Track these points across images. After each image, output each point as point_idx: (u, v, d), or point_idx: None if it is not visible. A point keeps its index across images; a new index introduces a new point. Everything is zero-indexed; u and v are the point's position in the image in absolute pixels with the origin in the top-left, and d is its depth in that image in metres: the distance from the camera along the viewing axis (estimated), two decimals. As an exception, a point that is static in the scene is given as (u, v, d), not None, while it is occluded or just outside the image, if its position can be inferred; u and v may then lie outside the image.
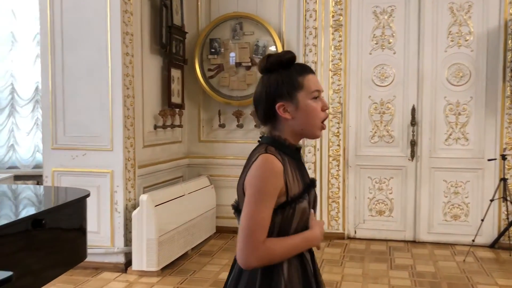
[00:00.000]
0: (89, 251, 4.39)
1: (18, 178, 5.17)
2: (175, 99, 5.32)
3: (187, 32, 5.59)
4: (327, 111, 1.58)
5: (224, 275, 4.19)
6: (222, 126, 5.77)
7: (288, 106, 1.52)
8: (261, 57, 5.40)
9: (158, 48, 5.04)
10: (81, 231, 2.59)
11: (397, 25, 5.35)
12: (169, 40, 5.10)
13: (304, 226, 1.54)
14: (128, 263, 4.45)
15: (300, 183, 1.53)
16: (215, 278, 4.29)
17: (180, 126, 5.51)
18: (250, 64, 5.62)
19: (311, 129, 1.55)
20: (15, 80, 5.28)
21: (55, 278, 2.37)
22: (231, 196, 5.65)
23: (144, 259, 4.31)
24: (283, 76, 1.53)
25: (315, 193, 1.64)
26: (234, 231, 5.76)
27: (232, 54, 5.66)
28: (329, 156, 5.52)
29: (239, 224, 1.47)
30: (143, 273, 4.32)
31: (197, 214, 5.15)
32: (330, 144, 5.51)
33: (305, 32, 5.48)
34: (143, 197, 4.33)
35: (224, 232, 5.75)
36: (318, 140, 5.49)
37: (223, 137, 5.84)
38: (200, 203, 5.28)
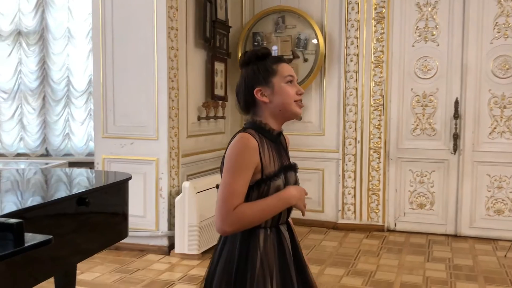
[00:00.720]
0: (135, 234, 4.70)
1: (72, 164, 5.53)
2: (218, 91, 5.51)
3: (231, 26, 5.76)
4: (302, 93, 1.72)
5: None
6: (264, 117, 5.91)
7: (265, 90, 1.68)
8: (303, 50, 5.54)
9: (202, 42, 5.24)
10: (123, 210, 2.81)
11: (441, 17, 5.29)
12: (213, 34, 5.29)
13: None
14: (171, 246, 4.69)
15: (277, 163, 1.67)
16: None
17: (223, 117, 5.70)
18: (291, 57, 5.71)
19: (288, 108, 1.70)
20: (71, 73, 5.64)
21: (97, 253, 2.61)
22: None
23: (186, 242, 4.54)
24: (259, 65, 1.70)
25: (296, 177, 1.77)
26: (274, 220, 5.92)
27: (275, 47, 5.78)
28: (369, 148, 5.55)
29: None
30: (184, 256, 4.55)
31: (238, 202, 5.32)
32: (371, 136, 5.54)
33: (347, 24, 5.52)
34: (186, 184, 4.55)
35: (265, 221, 5.90)
36: (358, 132, 5.54)
37: (265, 129, 5.98)
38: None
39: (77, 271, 4.10)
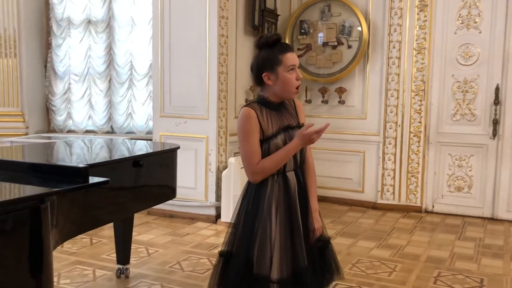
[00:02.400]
0: (186, 203, 5.22)
1: (133, 141, 6.14)
2: (266, 75, 5.89)
3: (279, 15, 6.12)
4: (300, 80, 2.12)
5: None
6: (308, 101, 6.26)
7: (271, 75, 2.09)
8: (347, 36, 5.82)
9: (251, 30, 5.64)
10: (172, 174, 3.28)
11: (484, 4, 5.38)
12: (261, 22, 5.68)
13: None
14: (218, 215, 5.18)
15: (275, 126, 2.09)
16: (290, 234, 4.86)
17: (270, 100, 6.09)
18: (336, 43, 6.00)
19: (287, 93, 2.13)
20: (134, 58, 6.21)
21: (149, 207, 3.10)
22: (316, 167, 6.29)
23: (231, 212, 4.97)
24: (268, 54, 2.09)
25: None
26: (319, 199, 6.27)
27: (321, 34, 6.08)
28: (410, 132, 5.76)
29: None
30: (228, 224, 5.01)
31: (281, 179, 5.73)
32: (412, 120, 5.74)
33: (390, 12, 5.72)
34: (231, 160, 5.01)
35: (308, 199, 6.27)
36: (399, 116, 5.76)
37: (309, 112, 6.32)
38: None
39: (135, 233, 4.68)
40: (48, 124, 6.54)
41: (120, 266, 3.67)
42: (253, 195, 2.12)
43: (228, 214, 5.03)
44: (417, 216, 5.59)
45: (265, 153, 2.07)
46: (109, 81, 6.32)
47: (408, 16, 5.65)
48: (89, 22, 6.32)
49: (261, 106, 2.11)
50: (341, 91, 6.02)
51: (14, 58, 6.11)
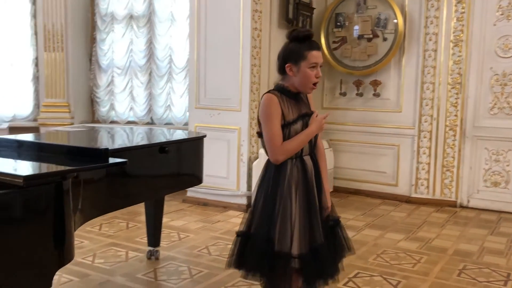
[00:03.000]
0: (219, 192, 5.39)
1: (171, 132, 6.37)
2: (300, 68, 5.97)
3: (314, 8, 6.16)
4: (319, 77, 2.24)
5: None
6: (343, 94, 6.28)
7: (293, 67, 2.22)
8: (382, 29, 5.80)
9: (285, 23, 5.72)
10: (198, 161, 3.43)
11: (525, -6, 5.24)
12: (295, 16, 5.75)
13: None
14: (249, 204, 5.31)
15: (295, 113, 2.23)
16: (319, 224, 4.93)
17: (303, 93, 6.16)
18: (371, 36, 5.99)
19: (304, 87, 2.26)
20: (173, 52, 6.43)
21: (176, 191, 3.27)
22: (350, 160, 6.42)
23: (261, 202, 5.12)
24: (296, 47, 2.22)
25: None
26: (350, 191, 6.32)
27: (356, 27, 6.08)
28: (445, 126, 5.68)
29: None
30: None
31: (313, 171, 5.80)
32: (448, 114, 5.66)
33: (427, 4, 5.65)
34: (262, 151, 5.08)
35: (341, 192, 6.31)
36: (435, 109, 5.69)
37: (343, 105, 6.35)
38: (317, 162, 5.91)
39: (169, 219, 4.89)
40: (92, 115, 6.88)
41: (151, 248, 3.86)
42: (272, 178, 2.25)
43: (258, 203, 5.15)
44: (451, 211, 5.52)
45: (286, 138, 2.21)
46: (150, 74, 6.57)
47: (445, 8, 5.56)
48: (131, 17, 6.59)
49: (281, 94, 2.24)
50: (376, 84, 6.00)
51: (61, 52, 6.46)
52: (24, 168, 2.11)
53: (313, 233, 2.23)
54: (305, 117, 2.29)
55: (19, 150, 2.45)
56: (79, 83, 6.67)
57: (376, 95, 6.05)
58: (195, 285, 3.40)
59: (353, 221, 5.08)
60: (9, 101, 6.52)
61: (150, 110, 6.64)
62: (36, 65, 6.61)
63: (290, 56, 2.23)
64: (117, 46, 6.66)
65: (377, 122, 6.09)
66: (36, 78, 6.63)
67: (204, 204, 5.54)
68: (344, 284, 3.44)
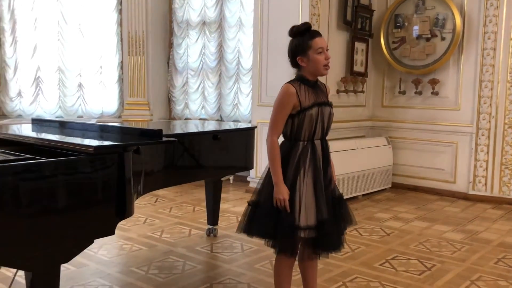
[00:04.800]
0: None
1: (238, 128, 6.91)
2: (358, 68, 6.25)
3: (374, 10, 6.41)
4: (328, 59, 2.50)
5: (381, 216, 5.13)
6: (402, 93, 6.46)
7: (303, 58, 2.51)
8: (440, 29, 5.95)
9: (344, 25, 6.04)
10: (248, 150, 3.88)
11: None
12: (354, 18, 6.05)
13: (310, 130, 2.50)
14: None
15: (312, 100, 2.50)
16: (369, 215, 5.21)
17: (362, 92, 6.43)
18: (429, 36, 6.13)
19: (317, 71, 2.53)
20: (240, 55, 6.95)
21: (226, 176, 3.73)
22: (409, 157, 6.72)
23: (316, 193, 5.47)
24: (299, 41, 2.52)
25: (330, 111, 2.59)
26: (408, 188, 6.47)
27: (415, 27, 6.25)
28: (504, 123, 5.70)
29: None
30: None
31: (370, 166, 6.06)
32: (507, 112, 5.68)
33: (486, 3, 5.71)
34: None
35: (399, 188, 6.49)
36: (493, 107, 5.73)
37: (403, 103, 6.52)
38: (374, 158, 6.15)
39: (230, 205, 5.36)
40: (169, 113, 7.59)
41: (210, 226, 4.38)
42: (284, 155, 2.53)
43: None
44: (509, 208, 5.53)
45: (300, 121, 2.48)
46: (219, 75, 7.15)
47: (505, 7, 5.60)
48: (204, 23, 7.21)
49: (300, 83, 2.54)
50: (434, 82, 6.13)
51: (142, 56, 7.23)
52: (95, 141, 2.67)
53: (320, 209, 2.49)
54: (321, 105, 2.55)
55: (95, 132, 3.05)
56: (157, 84, 7.41)
57: (435, 93, 6.18)
58: (244, 258, 3.85)
59: (404, 214, 5.29)
60: (98, 100, 7.38)
61: (219, 108, 7.21)
62: (121, 68, 7.43)
63: (297, 50, 2.51)
64: (191, 50, 7.32)
65: (435, 120, 6.21)
66: (121, 80, 7.45)
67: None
68: (381, 265, 3.73)
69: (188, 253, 3.94)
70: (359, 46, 6.26)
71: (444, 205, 5.73)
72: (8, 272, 3.27)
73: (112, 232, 2.35)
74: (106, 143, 2.58)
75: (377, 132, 6.72)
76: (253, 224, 2.57)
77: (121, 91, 7.47)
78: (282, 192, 2.45)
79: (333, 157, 5.42)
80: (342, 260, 3.80)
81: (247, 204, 2.65)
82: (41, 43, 7.09)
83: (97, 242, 4.07)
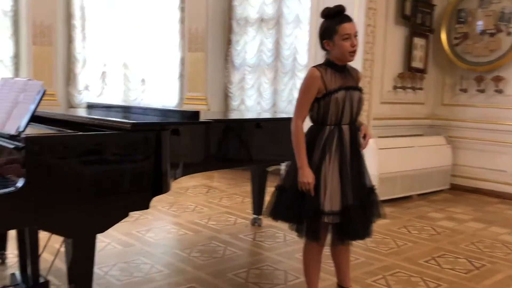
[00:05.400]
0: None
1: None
2: (417, 64, 6.07)
3: (435, 5, 6.21)
4: (355, 46, 2.45)
5: (434, 215, 4.95)
6: (463, 90, 6.20)
7: (329, 43, 2.48)
8: (506, 23, 5.68)
9: (402, 20, 5.89)
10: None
11: None
12: (414, 12, 5.88)
13: (337, 114, 2.46)
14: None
15: (338, 84, 2.46)
16: (421, 214, 5.05)
17: (420, 89, 6.23)
18: (494, 31, 5.84)
19: (343, 57, 2.48)
20: (297, 51, 6.95)
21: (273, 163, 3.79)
22: (469, 157, 6.51)
23: (367, 190, 5.37)
24: (328, 24, 2.49)
25: (360, 97, 2.54)
26: (468, 190, 6.20)
27: (479, 23, 5.98)
28: None
29: None
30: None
31: (426, 166, 5.86)
32: None
33: (558, -5, 5.38)
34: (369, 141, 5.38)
35: (458, 190, 6.22)
36: None
37: (464, 101, 6.25)
38: (431, 157, 5.95)
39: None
40: (225, 108, 7.74)
41: (255, 216, 4.43)
42: (310, 140, 2.51)
43: (364, 191, 5.41)
44: None
45: (326, 105, 2.46)
46: (275, 71, 7.20)
47: None
48: (262, 20, 7.29)
49: (327, 67, 2.51)
50: (498, 79, 5.83)
51: (202, 52, 7.43)
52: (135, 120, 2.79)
53: (345, 195, 2.44)
54: (349, 89, 2.49)
55: (139, 114, 3.19)
56: (215, 80, 7.58)
57: (498, 91, 5.87)
58: (286, 247, 3.86)
59: (460, 215, 5.08)
60: (160, 94, 7.67)
61: (274, 104, 7.26)
62: (182, 64, 7.66)
63: (325, 33, 2.49)
64: (249, 47, 7.42)
65: (498, 119, 5.90)
66: (181, 75, 7.69)
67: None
68: (425, 261, 3.61)
69: (231, 239, 4.01)
70: (418, 41, 6.08)
71: (504, 208, 5.44)
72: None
73: (146, 206, 2.44)
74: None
75: (436, 131, 6.48)
76: (278, 208, 2.58)
77: (182, 86, 7.70)
78: (306, 176, 2.44)
79: (387, 154, 5.36)
80: (385, 255, 3.72)
81: (274, 189, 2.66)
82: (108, 40, 7.48)
83: (146, 225, 4.30)
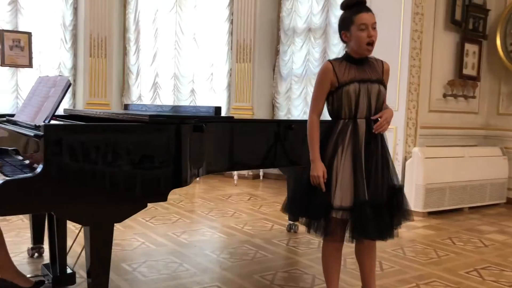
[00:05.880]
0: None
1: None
2: (469, 71, 5.80)
3: (489, 10, 5.93)
4: (372, 37, 2.34)
5: (484, 228, 4.67)
6: (520, 98, 5.85)
7: (347, 34, 2.40)
8: None
9: (452, 25, 5.66)
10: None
11: None
12: (464, 17, 5.65)
13: (350, 107, 2.38)
14: (401, 203, 5.37)
15: (351, 75, 2.37)
16: (470, 226, 4.76)
17: (472, 97, 5.93)
18: (554, 35, 5.49)
19: (360, 49, 2.39)
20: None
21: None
22: None
23: (413, 201, 5.14)
24: (346, 15, 2.41)
25: (379, 88, 2.43)
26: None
27: (538, 27, 5.65)
28: None
29: None
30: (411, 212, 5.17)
31: (479, 178, 5.54)
32: None
33: None
34: (415, 150, 5.18)
35: (515, 205, 5.84)
36: None
37: (521, 110, 5.89)
38: (484, 169, 5.61)
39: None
40: (272, 118, 7.71)
41: (291, 222, 4.35)
42: (324, 134, 2.44)
43: (410, 202, 5.15)
44: None
45: (339, 98, 2.38)
46: (323, 81, 7.12)
47: None
48: (309, 30, 7.26)
49: (343, 60, 2.43)
50: (559, 86, 5.46)
51: (249, 63, 7.48)
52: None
53: (357, 191, 2.33)
54: (367, 82, 2.39)
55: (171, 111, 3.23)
56: (262, 90, 7.59)
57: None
58: (318, 253, 3.69)
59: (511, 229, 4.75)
60: (208, 104, 7.78)
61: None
62: (230, 74, 7.76)
63: (342, 24, 2.42)
64: (296, 57, 7.40)
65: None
66: (229, 86, 7.78)
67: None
68: (467, 272, 3.39)
69: (264, 244, 3.95)
70: (470, 48, 5.81)
71: None
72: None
73: (164, 199, 2.46)
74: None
75: (491, 142, 6.13)
76: (291, 203, 2.55)
77: (229, 96, 7.78)
78: (317, 169, 2.37)
79: (435, 164, 5.12)
80: (423, 264, 3.53)
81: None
82: (160, 52, 7.73)
83: (182, 227, 4.32)
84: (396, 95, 5.42)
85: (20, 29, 6.98)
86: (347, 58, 2.46)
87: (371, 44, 2.38)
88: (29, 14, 7.02)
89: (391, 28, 5.44)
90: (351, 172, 2.38)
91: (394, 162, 5.34)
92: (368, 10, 2.40)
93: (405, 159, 5.39)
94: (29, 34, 7.01)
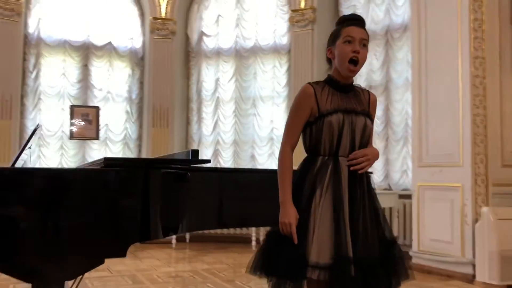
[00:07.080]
0: (442, 259, 4.85)
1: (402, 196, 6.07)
2: (549, 119, 5.00)
3: None
4: (357, 53, 1.94)
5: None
6: None
7: (332, 49, 2.03)
8: None
9: (523, 68, 5.00)
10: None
11: None
12: (538, 59, 4.96)
13: (331, 142, 1.96)
14: (475, 275, 4.54)
15: (334, 104, 1.98)
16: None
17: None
18: None
19: (341, 66, 2.00)
20: (409, 117, 6.28)
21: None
22: None
23: (486, 271, 4.33)
24: (335, 29, 2.06)
25: (366, 123, 2.01)
26: None
27: None
28: None
29: None
30: (486, 286, 4.34)
31: None
32: None
33: None
34: (484, 210, 4.43)
35: None
36: None
37: None
38: None
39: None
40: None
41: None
42: (300, 174, 2.02)
43: (483, 272, 4.38)
44: None
45: (318, 130, 1.98)
46: (386, 139, 6.58)
47: None
48: (370, 87, 6.85)
49: (326, 85, 2.04)
50: None
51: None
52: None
53: (339, 245, 1.87)
54: (351, 113, 2.00)
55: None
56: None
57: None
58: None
59: None
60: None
61: (387, 175, 6.55)
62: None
63: (330, 40, 2.07)
64: (358, 116, 6.98)
65: None
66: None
67: (428, 272, 5.00)
68: None
69: None
70: (550, 92, 5.05)
71: None
72: None
73: (123, 254, 2.17)
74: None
75: None
76: (256, 258, 2.00)
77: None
78: (288, 215, 1.94)
79: (507, 228, 4.32)
80: None
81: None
82: (221, 120, 7.76)
83: None
84: (459, 149, 4.79)
85: (89, 104, 7.41)
86: (329, 82, 2.07)
87: (355, 62, 1.98)
88: (97, 91, 7.47)
89: (450, 75, 4.96)
90: (331, 220, 1.92)
91: (463, 226, 4.67)
92: (361, 25, 2.04)
93: (476, 222, 4.62)
94: (97, 108, 7.42)
